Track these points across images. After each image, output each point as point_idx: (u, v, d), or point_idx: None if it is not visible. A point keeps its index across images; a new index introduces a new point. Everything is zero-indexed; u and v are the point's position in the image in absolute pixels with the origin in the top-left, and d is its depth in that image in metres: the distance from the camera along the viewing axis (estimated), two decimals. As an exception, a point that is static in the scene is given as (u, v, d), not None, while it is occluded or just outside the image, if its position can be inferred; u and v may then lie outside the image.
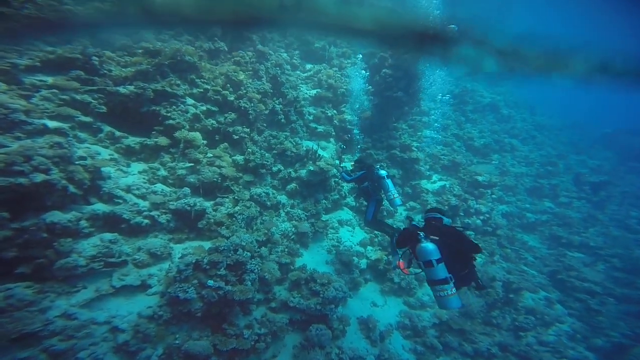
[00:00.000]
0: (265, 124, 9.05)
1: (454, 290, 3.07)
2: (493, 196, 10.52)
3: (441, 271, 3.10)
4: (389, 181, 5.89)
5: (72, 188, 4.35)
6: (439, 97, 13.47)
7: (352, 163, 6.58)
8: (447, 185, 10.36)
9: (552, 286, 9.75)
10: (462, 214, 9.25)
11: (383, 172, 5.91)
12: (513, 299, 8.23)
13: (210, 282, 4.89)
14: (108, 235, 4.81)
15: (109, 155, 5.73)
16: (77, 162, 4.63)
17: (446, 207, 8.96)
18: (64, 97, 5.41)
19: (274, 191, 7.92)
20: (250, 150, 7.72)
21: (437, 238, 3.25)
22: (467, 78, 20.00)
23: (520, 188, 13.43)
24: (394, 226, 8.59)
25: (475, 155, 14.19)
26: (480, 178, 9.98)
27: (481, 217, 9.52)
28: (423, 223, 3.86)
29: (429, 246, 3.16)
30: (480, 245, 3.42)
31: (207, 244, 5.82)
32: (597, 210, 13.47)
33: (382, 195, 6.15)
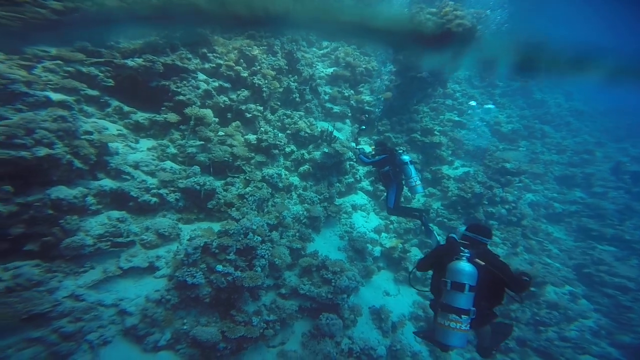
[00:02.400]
0: (279, 103, 8.61)
1: (467, 327, 2.58)
2: (519, 184, 9.79)
3: (467, 300, 2.59)
4: (412, 167, 5.51)
5: (77, 163, 4.15)
6: (471, 103, 12.59)
7: (373, 146, 6.12)
8: (471, 172, 9.70)
9: (578, 280, 9.18)
10: (486, 202, 8.66)
11: (406, 157, 5.51)
12: (535, 292, 7.77)
13: (219, 267, 4.71)
14: (116, 214, 4.65)
15: (117, 130, 5.51)
16: (82, 137, 4.41)
17: (469, 194, 8.37)
18: (69, 69, 5.14)
19: (287, 172, 7.59)
20: (263, 129, 7.35)
21: (482, 263, 2.70)
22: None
23: (549, 176, 12.51)
24: (417, 207, 8.24)
25: (502, 141, 13.28)
26: (508, 165, 9.27)
27: (506, 207, 8.90)
28: (462, 237, 3.18)
29: (468, 268, 2.63)
30: (526, 283, 2.78)
31: (217, 226, 5.62)
32: (636, 201, 12.37)
33: (403, 181, 5.76)
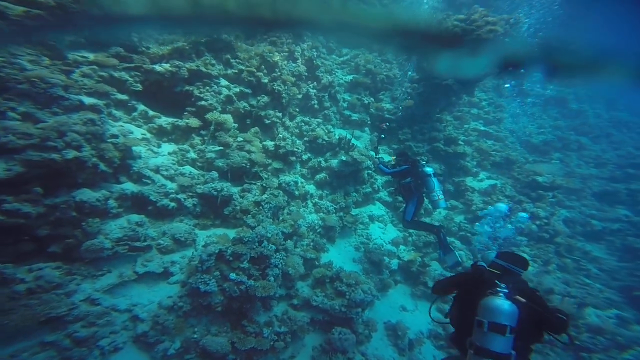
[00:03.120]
0: (297, 109, 8.63)
1: None
2: (552, 199, 9.19)
3: (507, 344, 2.18)
4: (435, 180, 5.30)
5: (102, 166, 4.30)
6: (505, 85, 12.03)
7: (393, 155, 5.95)
8: (498, 185, 9.23)
9: (626, 304, 8.38)
10: (513, 218, 8.20)
11: (429, 169, 5.31)
12: (574, 314, 7.13)
13: (233, 276, 4.68)
14: (135, 217, 4.76)
15: (142, 134, 5.69)
16: (108, 140, 4.57)
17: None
18: (103, 73, 5.39)
19: (303, 180, 7.55)
20: (281, 136, 7.37)
21: (523, 300, 2.28)
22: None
23: (587, 192, 11.66)
24: (435, 223, 7.90)
25: (532, 153, 12.61)
26: (540, 178, 8.72)
27: (537, 222, 8.37)
28: (492, 265, 2.76)
29: (509, 307, 2.19)
30: (565, 322, 2.33)
31: (232, 232, 5.63)
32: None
33: (424, 194, 5.55)
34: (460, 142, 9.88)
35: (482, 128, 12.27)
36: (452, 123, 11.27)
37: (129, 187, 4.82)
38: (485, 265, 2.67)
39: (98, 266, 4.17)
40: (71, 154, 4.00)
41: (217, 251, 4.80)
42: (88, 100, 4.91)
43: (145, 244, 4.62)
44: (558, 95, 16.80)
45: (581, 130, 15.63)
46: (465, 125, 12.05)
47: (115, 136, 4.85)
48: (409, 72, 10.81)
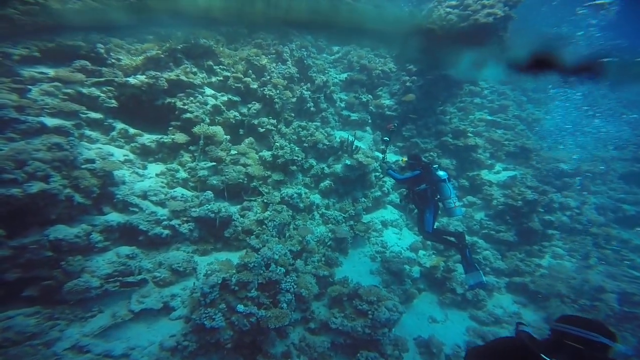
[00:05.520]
0: (292, 114, 8.40)
1: None
2: (577, 187, 8.97)
3: None
4: (449, 185, 5.07)
5: (79, 197, 3.95)
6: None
7: (404, 157, 5.67)
8: (518, 176, 9.01)
9: None
10: (541, 209, 7.92)
11: (443, 174, 5.08)
12: (635, 313, 6.71)
13: (241, 308, 4.35)
14: (125, 250, 4.44)
15: (124, 156, 5.38)
16: (83, 166, 4.24)
17: (520, 202, 7.67)
18: (68, 90, 5.08)
19: (307, 190, 7.26)
20: (278, 144, 7.10)
21: None
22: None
23: (612, 175, 11.47)
24: (456, 230, 7.59)
25: (544, 139, 12.53)
26: (564, 165, 8.53)
27: (568, 213, 8.12)
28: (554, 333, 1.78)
29: None
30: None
31: (235, 256, 5.32)
32: None
33: (439, 201, 5.28)
34: (469, 134, 9.72)
35: (489, 117, 12.18)
36: (457, 115, 11.15)
37: (115, 217, 4.49)
38: (527, 329, 1.82)
39: (86, 307, 3.83)
40: (36, 186, 3.66)
41: (220, 281, 4.48)
42: (52, 121, 4.57)
43: (140, 277, 4.30)
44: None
45: (590, 113, 15.64)
46: (470, 116, 11.94)
47: (91, 161, 4.54)
48: (406, 65, 10.71)
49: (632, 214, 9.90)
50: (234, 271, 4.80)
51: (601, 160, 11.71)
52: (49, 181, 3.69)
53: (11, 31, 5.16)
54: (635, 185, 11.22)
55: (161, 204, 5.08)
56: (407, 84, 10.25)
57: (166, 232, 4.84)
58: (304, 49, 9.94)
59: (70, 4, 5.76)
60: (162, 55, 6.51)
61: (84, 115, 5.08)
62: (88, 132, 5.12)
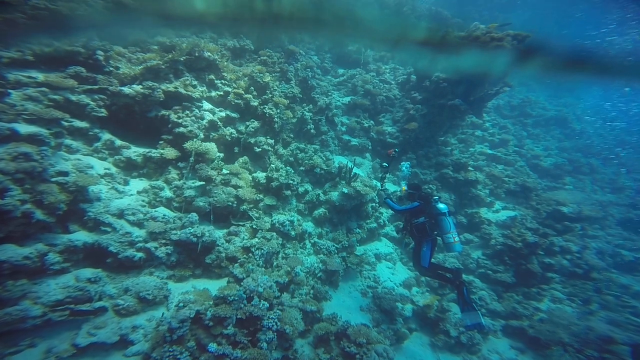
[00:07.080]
0: (292, 135, 8.14)
1: None
2: (580, 232, 8.67)
3: None
4: (450, 219, 4.76)
5: (40, 214, 3.52)
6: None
7: (404, 187, 5.37)
8: (518, 216, 8.72)
9: None
10: (541, 252, 7.59)
11: (443, 207, 4.79)
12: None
13: (213, 347, 3.85)
14: (87, 272, 3.96)
15: (104, 169, 4.99)
16: (53, 179, 3.84)
17: (520, 244, 7.37)
18: (55, 97, 4.74)
19: (300, 217, 6.87)
20: (273, 166, 6.77)
21: None
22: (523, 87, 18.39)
23: (610, 220, 11.25)
24: (452, 267, 7.24)
25: (543, 177, 12.34)
26: (565, 209, 8.27)
27: (568, 257, 7.80)
28: None
29: None
30: None
31: (215, 285, 4.85)
32: None
33: (437, 235, 4.95)
34: (470, 168, 9.49)
35: (490, 151, 12.03)
36: (457, 146, 10.97)
37: (81, 237, 4.04)
38: None
39: (13, 341, 3.25)
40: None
41: (192, 315, 3.98)
42: (27, 128, 4.18)
43: (99, 305, 3.76)
44: (559, 115, 17.03)
45: (589, 152, 15.65)
46: (470, 149, 11.78)
47: (64, 173, 4.13)
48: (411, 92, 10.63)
49: (631, 260, 9.66)
50: (211, 303, 4.34)
51: None
52: (4, 195, 3.27)
53: (11, 33, 4.93)
54: (632, 232, 11.01)
55: (139, 224, 4.64)
56: (411, 112, 10.12)
57: (139, 254, 4.38)
58: (309, 70, 9.85)
59: (80, 10, 5.56)
60: (163, 66, 6.27)
61: (66, 124, 4.71)
62: (69, 142, 4.75)
